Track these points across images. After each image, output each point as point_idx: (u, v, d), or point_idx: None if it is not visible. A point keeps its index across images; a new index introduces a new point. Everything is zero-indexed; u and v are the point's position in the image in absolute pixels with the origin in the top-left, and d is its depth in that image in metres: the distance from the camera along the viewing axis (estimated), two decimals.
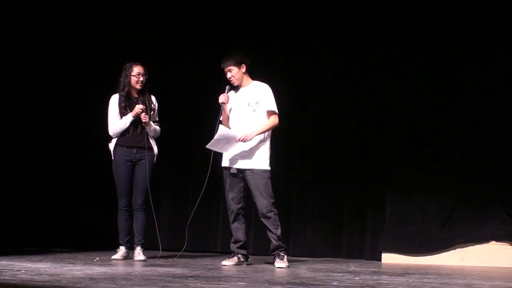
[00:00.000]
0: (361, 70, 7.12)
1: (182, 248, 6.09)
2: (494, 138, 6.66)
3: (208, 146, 5.52)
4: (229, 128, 5.62)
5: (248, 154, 5.54)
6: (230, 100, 5.67)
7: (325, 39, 7.23)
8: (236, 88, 5.72)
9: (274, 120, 5.61)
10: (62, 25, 7.79)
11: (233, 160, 5.59)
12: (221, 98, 5.62)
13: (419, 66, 6.89)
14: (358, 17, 7.14)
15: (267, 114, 5.61)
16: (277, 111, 5.62)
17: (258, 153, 5.56)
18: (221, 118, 5.65)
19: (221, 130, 5.46)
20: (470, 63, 6.76)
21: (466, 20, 6.77)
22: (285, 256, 5.52)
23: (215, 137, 5.47)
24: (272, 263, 5.51)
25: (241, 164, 5.57)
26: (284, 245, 5.57)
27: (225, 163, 5.66)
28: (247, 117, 5.58)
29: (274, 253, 5.54)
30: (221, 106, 5.64)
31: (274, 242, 5.51)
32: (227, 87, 5.67)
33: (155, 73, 6.07)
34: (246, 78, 5.70)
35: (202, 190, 5.73)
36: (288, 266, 5.39)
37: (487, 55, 6.71)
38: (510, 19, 6.68)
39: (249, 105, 5.60)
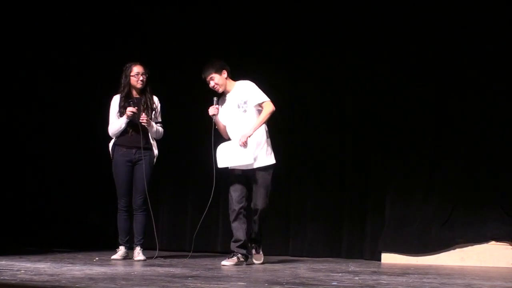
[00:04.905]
0: (361, 72, 7.11)
1: (190, 251, 6.12)
2: (494, 138, 6.65)
3: (219, 166, 5.55)
4: (229, 138, 5.67)
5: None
6: (221, 108, 5.69)
7: (326, 41, 7.22)
8: (222, 94, 5.73)
9: (269, 107, 5.60)
10: (63, 25, 7.79)
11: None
12: (211, 111, 5.62)
13: (419, 68, 6.88)
14: (359, 20, 7.14)
15: (260, 107, 5.61)
16: (267, 99, 5.62)
17: (259, 152, 5.56)
18: (216, 127, 5.67)
19: (219, 149, 5.53)
20: (469, 66, 6.75)
21: (467, 22, 6.77)
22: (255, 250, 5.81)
23: (217, 157, 5.52)
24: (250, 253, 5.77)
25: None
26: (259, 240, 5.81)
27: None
28: (240, 119, 5.61)
29: (252, 245, 5.78)
30: (212, 119, 5.64)
31: (253, 235, 5.77)
32: (214, 99, 5.66)
33: (155, 72, 6.07)
34: (229, 83, 5.71)
35: (212, 194, 5.73)
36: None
37: (486, 58, 6.70)
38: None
39: (239, 107, 5.63)
